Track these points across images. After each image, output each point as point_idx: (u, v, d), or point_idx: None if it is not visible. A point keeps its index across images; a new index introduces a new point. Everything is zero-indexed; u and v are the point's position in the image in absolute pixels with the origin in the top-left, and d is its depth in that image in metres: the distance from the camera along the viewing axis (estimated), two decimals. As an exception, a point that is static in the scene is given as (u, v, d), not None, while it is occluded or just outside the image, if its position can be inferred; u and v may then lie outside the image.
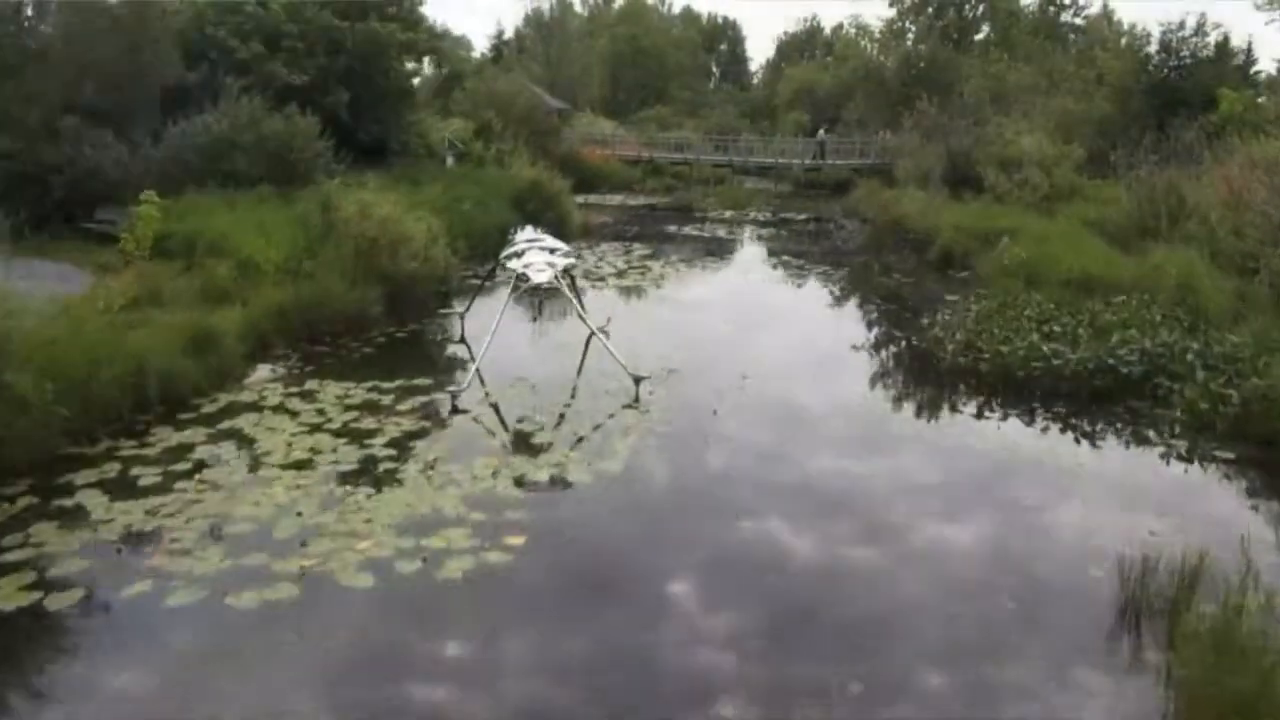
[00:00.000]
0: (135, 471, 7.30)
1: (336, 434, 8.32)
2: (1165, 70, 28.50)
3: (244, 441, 8.08)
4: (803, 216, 30.54)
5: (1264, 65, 32.22)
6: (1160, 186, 20.37)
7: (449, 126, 31.13)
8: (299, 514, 6.66)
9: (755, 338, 13.04)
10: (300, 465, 7.59)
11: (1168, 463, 8.27)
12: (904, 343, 13.03)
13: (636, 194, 36.76)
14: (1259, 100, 27.52)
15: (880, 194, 28.85)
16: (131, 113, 16.59)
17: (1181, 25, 29.20)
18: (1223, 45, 30.05)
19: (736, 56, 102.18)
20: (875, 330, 14.34)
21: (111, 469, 7.35)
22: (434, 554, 6.14)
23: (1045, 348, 10.31)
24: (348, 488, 7.17)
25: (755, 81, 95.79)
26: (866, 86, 43.20)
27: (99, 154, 14.66)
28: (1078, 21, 52.14)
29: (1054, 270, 14.48)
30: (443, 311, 13.59)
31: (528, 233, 12.44)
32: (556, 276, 10.48)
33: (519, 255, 10.99)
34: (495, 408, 9.33)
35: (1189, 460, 8.31)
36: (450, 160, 26.78)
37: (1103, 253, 15.38)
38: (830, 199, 35.48)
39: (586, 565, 6.31)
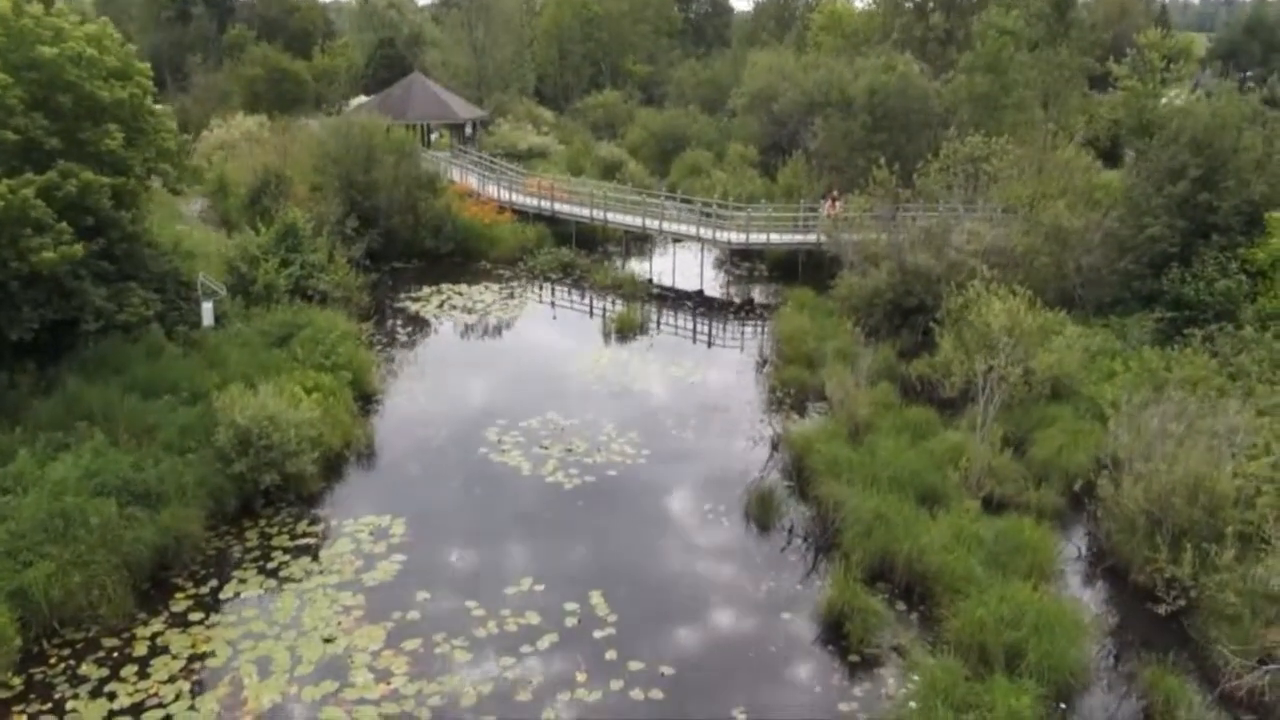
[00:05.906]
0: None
1: None
2: (1195, 183, 20.85)
3: None
4: (708, 372, 23.21)
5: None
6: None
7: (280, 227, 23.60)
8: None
9: None
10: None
11: None
12: None
13: (520, 278, 29.26)
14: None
15: (801, 350, 21.70)
16: None
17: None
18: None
19: (717, 6, 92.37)
20: None
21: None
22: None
23: None
24: None
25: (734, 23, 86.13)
26: (829, 115, 35.24)
27: None
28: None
29: None
30: None
31: None
32: None
33: None
34: None
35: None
36: (209, 316, 19.32)
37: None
38: (763, 291, 28.54)
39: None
